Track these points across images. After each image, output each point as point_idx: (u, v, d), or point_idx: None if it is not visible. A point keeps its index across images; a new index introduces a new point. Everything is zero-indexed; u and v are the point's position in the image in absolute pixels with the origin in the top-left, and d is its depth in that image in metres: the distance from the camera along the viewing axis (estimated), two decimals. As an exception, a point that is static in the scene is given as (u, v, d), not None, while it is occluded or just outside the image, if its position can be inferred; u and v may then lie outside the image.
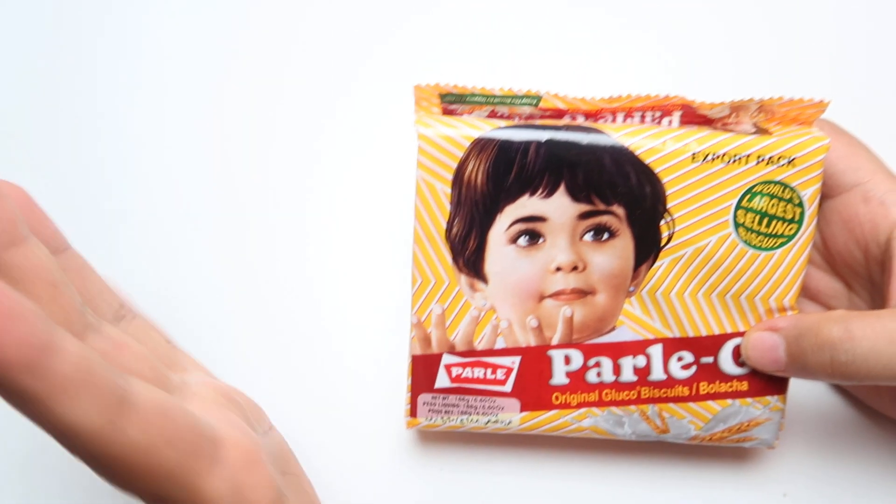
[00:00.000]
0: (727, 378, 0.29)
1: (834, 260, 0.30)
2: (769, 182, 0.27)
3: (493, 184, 0.27)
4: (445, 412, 0.29)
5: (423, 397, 0.29)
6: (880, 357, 0.25)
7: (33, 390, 0.16)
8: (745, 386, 0.29)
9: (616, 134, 0.27)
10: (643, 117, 0.29)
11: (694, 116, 0.28)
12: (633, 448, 0.32)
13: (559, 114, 0.29)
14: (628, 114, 0.29)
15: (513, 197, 0.28)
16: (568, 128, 0.27)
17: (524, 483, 0.32)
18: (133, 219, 0.34)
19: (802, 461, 0.32)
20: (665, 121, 0.29)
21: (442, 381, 0.29)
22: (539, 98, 0.28)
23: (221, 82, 0.35)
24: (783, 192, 0.27)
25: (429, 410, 0.30)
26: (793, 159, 0.27)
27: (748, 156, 0.27)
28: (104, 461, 0.18)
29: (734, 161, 0.27)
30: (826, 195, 0.29)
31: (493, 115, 0.29)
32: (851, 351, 0.25)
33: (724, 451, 0.32)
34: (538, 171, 0.27)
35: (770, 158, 0.27)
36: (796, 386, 0.33)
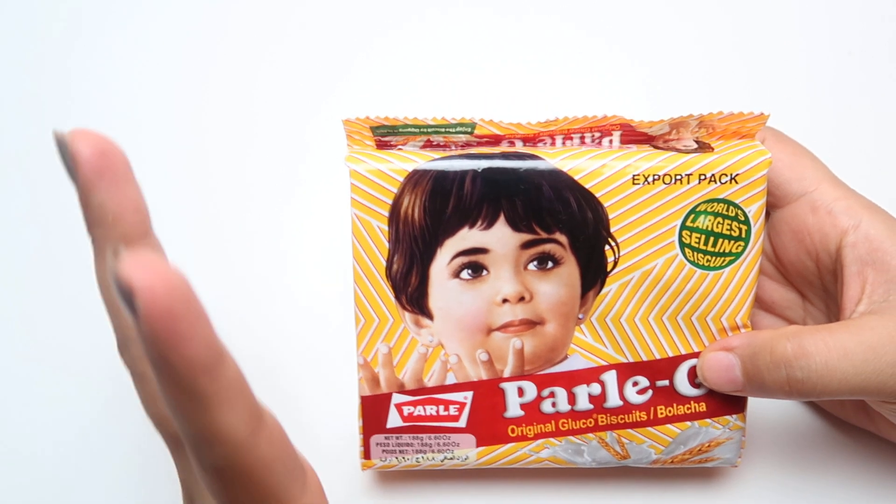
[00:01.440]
0: (684, 400, 0.28)
1: (787, 271, 0.30)
2: (713, 200, 0.26)
3: (431, 218, 0.27)
4: (400, 452, 0.29)
5: (376, 438, 0.29)
6: (834, 373, 0.24)
7: (206, 391, 0.17)
8: (703, 407, 0.28)
9: (554, 159, 0.26)
10: (582, 139, 0.28)
11: (634, 135, 0.28)
12: (596, 474, 0.32)
13: (496, 140, 0.28)
14: (567, 136, 0.28)
15: (452, 230, 0.27)
16: (504, 155, 0.27)
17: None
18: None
19: (769, 477, 0.32)
20: (605, 141, 0.28)
21: (394, 420, 0.28)
22: (473, 125, 0.28)
23: (168, 115, 0.34)
24: (728, 209, 0.27)
25: (383, 451, 0.29)
26: (735, 176, 0.26)
27: (690, 175, 0.26)
28: (238, 470, 0.18)
29: (676, 181, 0.26)
30: (774, 206, 0.29)
31: (428, 144, 0.28)
32: (806, 367, 0.25)
33: (690, 471, 0.31)
34: (476, 203, 0.26)
35: (712, 176, 0.26)
36: (758, 399, 0.32)
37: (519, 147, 0.28)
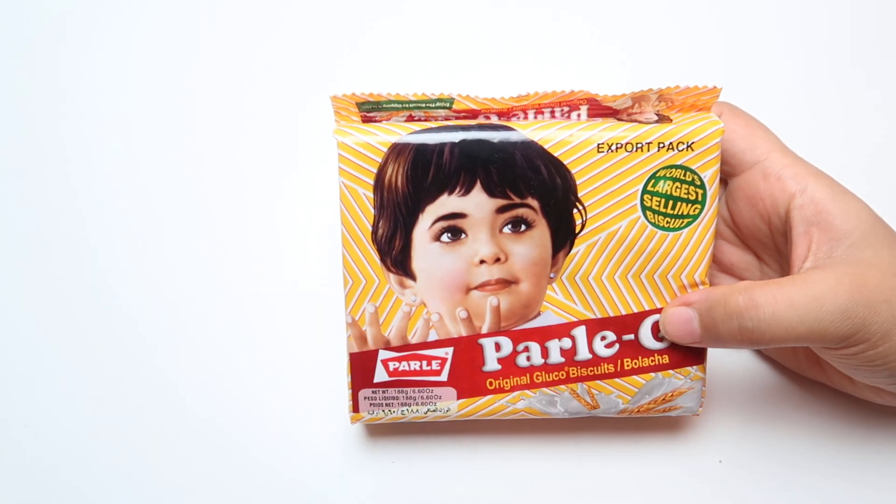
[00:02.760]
0: (649, 353, 0.30)
1: (743, 234, 0.32)
2: (671, 167, 0.29)
3: (413, 185, 0.29)
4: (386, 405, 0.31)
5: (364, 392, 0.31)
6: (780, 321, 0.27)
7: None
8: (665, 359, 0.30)
9: (526, 130, 0.29)
10: (553, 113, 0.30)
11: (600, 109, 0.30)
12: (570, 426, 0.34)
13: (473, 114, 0.30)
14: (538, 111, 0.30)
15: (432, 197, 0.29)
16: (480, 127, 0.29)
17: (471, 466, 0.34)
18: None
19: (734, 428, 0.34)
20: (574, 115, 0.30)
21: (380, 375, 0.31)
22: (452, 100, 0.30)
23: (162, 97, 0.36)
24: (685, 175, 0.29)
25: (370, 405, 0.31)
26: (691, 144, 0.29)
27: (649, 143, 0.29)
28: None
29: (637, 149, 0.29)
30: (729, 174, 0.31)
31: (410, 119, 0.30)
32: (756, 318, 0.27)
33: (659, 422, 0.34)
34: (454, 171, 0.29)
35: (670, 144, 0.29)
36: (722, 356, 0.35)
37: (494, 120, 0.30)
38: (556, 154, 0.29)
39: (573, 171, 0.29)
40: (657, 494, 0.33)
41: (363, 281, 0.30)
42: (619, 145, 0.29)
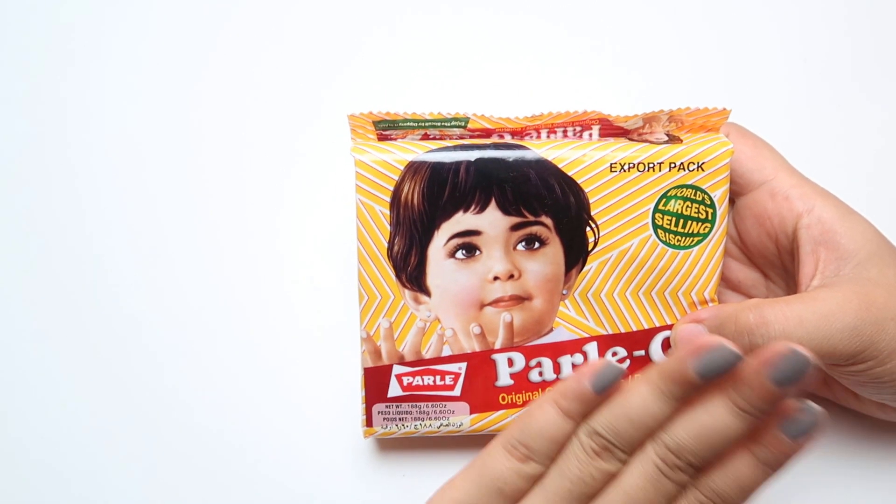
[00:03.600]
0: (658, 369, 0.31)
1: (750, 252, 0.33)
2: (682, 186, 0.29)
3: (429, 203, 0.29)
4: (399, 420, 0.31)
5: (378, 407, 0.31)
6: (790, 339, 0.27)
7: None
8: (675, 375, 0.31)
9: (540, 149, 0.29)
10: (565, 132, 0.31)
11: (611, 129, 0.31)
12: None
13: (487, 133, 0.31)
14: (551, 130, 0.31)
15: (448, 214, 0.29)
16: (496, 146, 0.29)
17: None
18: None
19: None
20: (585, 135, 0.31)
21: (394, 390, 0.31)
22: (467, 120, 0.30)
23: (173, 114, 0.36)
24: (695, 194, 0.30)
25: (384, 419, 0.31)
26: (702, 164, 0.29)
27: (661, 163, 0.29)
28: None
29: (649, 169, 0.29)
30: (738, 193, 0.32)
31: (425, 137, 0.31)
32: (766, 335, 0.27)
33: None
34: (470, 189, 0.29)
35: (681, 165, 0.29)
36: None
37: (508, 139, 0.30)
38: (569, 173, 0.29)
39: (586, 190, 0.29)
40: None
41: (378, 297, 0.30)
42: (631, 165, 0.29)
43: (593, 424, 0.26)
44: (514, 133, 0.31)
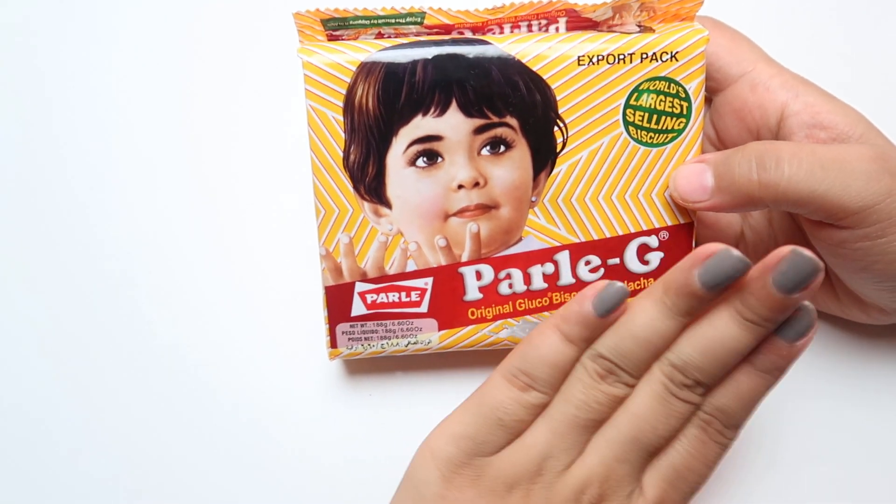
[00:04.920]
0: (634, 276, 0.30)
1: None
2: (655, 79, 0.28)
3: (385, 107, 0.27)
4: (365, 339, 0.30)
5: (342, 327, 0.30)
6: (802, 174, 0.25)
7: None
8: (651, 282, 0.30)
9: (502, 44, 0.27)
10: (530, 26, 0.29)
11: (579, 21, 0.28)
12: None
13: (446, 29, 0.28)
14: (515, 24, 0.28)
15: (406, 119, 0.27)
16: (454, 41, 0.27)
17: (453, 399, 0.33)
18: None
19: None
20: (552, 28, 0.29)
21: (358, 308, 0.30)
22: (423, 14, 0.28)
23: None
24: (669, 87, 0.28)
25: (349, 339, 0.30)
26: (675, 54, 0.27)
27: (632, 54, 0.27)
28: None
29: (619, 61, 0.27)
30: (715, 89, 0.30)
31: (379, 36, 0.28)
32: (776, 161, 0.25)
33: None
34: (428, 90, 0.27)
35: (653, 55, 0.27)
36: None
37: (468, 35, 0.28)
38: (534, 69, 0.27)
39: (553, 87, 0.27)
40: None
41: (336, 210, 0.28)
42: (600, 57, 0.27)
43: (598, 348, 0.25)
44: (474, 28, 0.28)
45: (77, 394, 0.33)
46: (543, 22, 0.29)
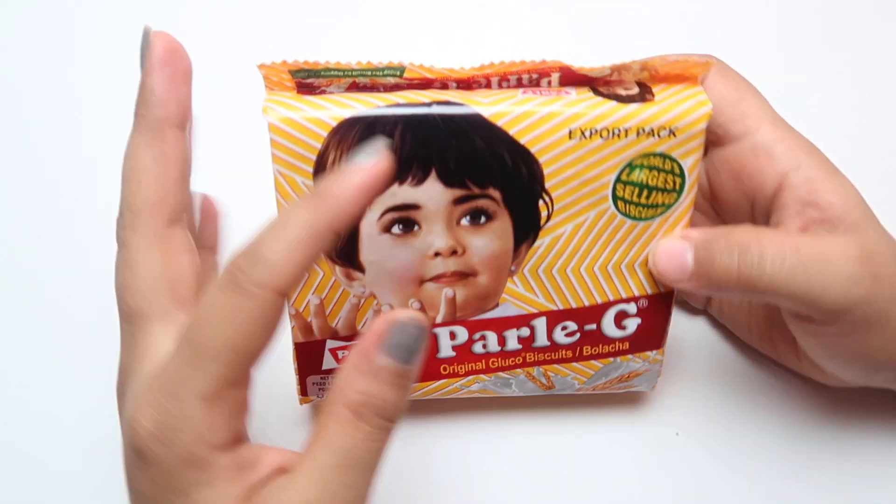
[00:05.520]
0: (610, 340, 0.29)
1: (722, 209, 0.30)
2: (650, 154, 0.26)
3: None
4: None
5: (312, 378, 0.29)
6: (783, 268, 0.25)
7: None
8: (626, 345, 0.29)
9: (488, 109, 0.25)
10: (520, 80, 0.26)
11: (573, 77, 0.26)
12: (525, 402, 0.33)
13: (427, 83, 0.26)
14: (503, 78, 0.26)
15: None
16: (437, 104, 0.25)
17: (426, 446, 0.33)
18: None
19: (691, 401, 0.34)
20: (544, 81, 0.26)
21: (328, 363, 0.29)
22: (403, 69, 0.25)
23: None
24: (664, 163, 0.26)
25: (319, 389, 0.30)
26: (674, 129, 0.25)
27: (628, 129, 0.25)
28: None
29: (613, 136, 0.25)
30: (715, 143, 0.28)
31: (353, 86, 0.26)
32: (759, 255, 0.25)
33: (616, 397, 0.33)
34: (406, 160, 0.25)
35: (651, 130, 0.25)
36: (683, 331, 0.34)
37: (452, 91, 0.26)
38: (521, 141, 0.25)
39: (541, 161, 0.25)
40: (614, 467, 0.32)
41: (305, 273, 0.27)
42: (593, 131, 0.25)
43: None
44: (459, 81, 0.26)
45: (77, 398, 0.33)
46: (535, 76, 0.26)
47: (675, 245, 0.27)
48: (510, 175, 0.26)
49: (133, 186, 0.22)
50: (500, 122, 0.25)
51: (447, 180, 0.25)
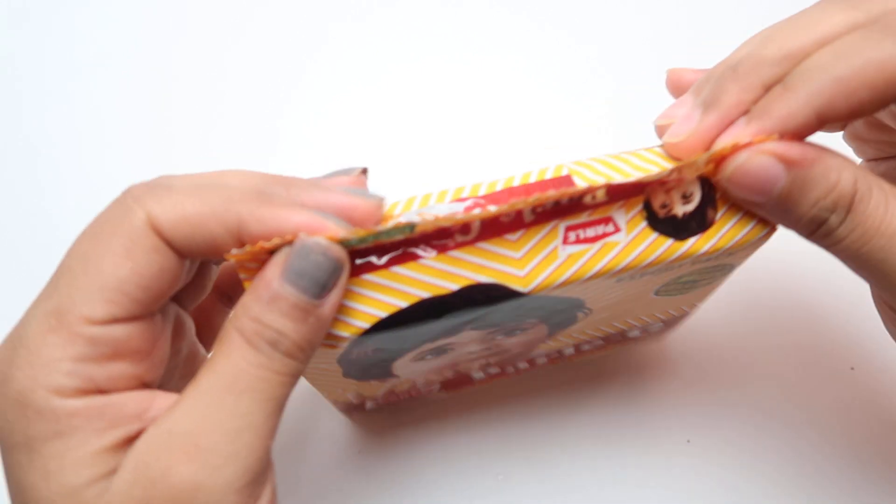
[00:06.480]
0: (633, 340, 0.30)
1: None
2: (703, 270, 0.23)
3: (386, 353, 0.23)
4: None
5: (356, 415, 0.31)
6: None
7: None
8: (644, 337, 0.31)
9: (527, 286, 0.21)
10: (558, 205, 0.21)
11: (622, 189, 0.21)
12: (533, 409, 0.33)
13: (443, 233, 0.20)
14: (536, 206, 0.20)
15: (413, 349, 0.23)
16: (465, 289, 0.20)
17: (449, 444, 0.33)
18: None
19: (703, 408, 0.33)
20: (588, 198, 0.21)
21: (370, 406, 0.30)
22: (413, 226, 0.20)
23: None
24: (715, 268, 0.23)
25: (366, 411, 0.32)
26: (732, 252, 0.22)
27: (682, 263, 0.22)
28: None
29: (665, 270, 0.22)
30: None
31: (352, 254, 0.20)
32: (852, 222, 0.20)
33: (629, 406, 0.33)
34: (437, 336, 0.22)
35: (707, 259, 0.22)
36: (692, 338, 0.34)
37: (477, 248, 0.20)
38: (564, 297, 0.22)
39: (583, 298, 0.23)
40: (625, 474, 0.32)
41: (339, 389, 0.27)
42: (644, 273, 0.22)
43: None
44: (483, 222, 0.20)
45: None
46: (576, 197, 0.21)
47: (768, 167, 0.20)
48: (547, 314, 0.23)
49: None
50: (541, 293, 0.21)
51: (482, 329, 0.23)
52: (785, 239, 0.23)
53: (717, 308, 0.34)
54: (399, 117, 0.38)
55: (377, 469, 0.33)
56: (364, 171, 0.22)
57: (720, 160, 0.20)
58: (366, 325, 0.20)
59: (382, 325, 0.20)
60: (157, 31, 0.40)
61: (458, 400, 0.34)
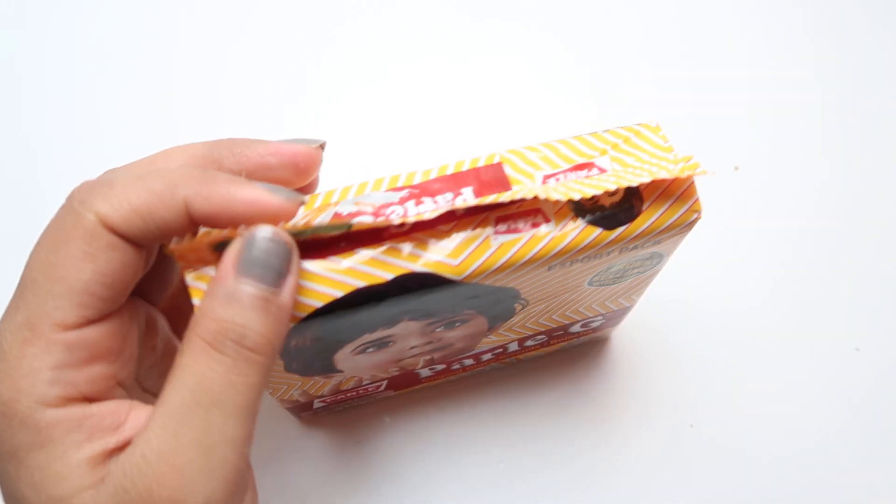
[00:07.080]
0: (575, 335, 0.31)
1: None
2: (634, 259, 0.24)
3: (325, 343, 0.23)
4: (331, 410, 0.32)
5: (306, 414, 0.31)
6: None
7: None
8: (587, 333, 0.31)
9: (460, 274, 0.21)
10: (516, 220, 0.21)
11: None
12: (540, 402, 0.33)
13: (379, 234, 0.21)
14: (472, 212, 0.21)
15: (352, 340, 0.24)
16: (399, 278, 0.21)
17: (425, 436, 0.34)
18: None
19: (706, 393, 0.34)
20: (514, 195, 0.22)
21: (318, 405, 0.31)
22: (350, 224, 0.21)
23: None
24: (646, 257, 0.24)
25: (313, 414, 0.32)
26: (661, 239, 0.23)
27: (611, 250, 0.23)
28: None
29: (595, 257, 0.23)
30: None
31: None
32: None
33: (633, 391, 0.33)
34: (376, 325, 0.23)
35: (636, 245, 0.23)
36: (695, 323, 0.34)
37: (413, 244, 0.21)
38: (498, 285, 0.23)
39: (518, 289, 0.23)
40: (629, 459, 0.32)
41: (284, 386, 0.27)
42: (574, 261, 0.23)
43: None
44: (417, 225, 0.21)
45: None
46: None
47: None
48: (485, 303, 0.24)
49: None
50: (475, 280, 0.22)
51: (420, 319, 0.24)
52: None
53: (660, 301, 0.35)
54: (399, 117, 0.38)
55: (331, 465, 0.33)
56: (322, 145, 0.22)
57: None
58: (302, 314, 0.20)
59: (318, 313, 0.20)
60: (157, 31, 0.39)
61: (406, 398, 0.34)
